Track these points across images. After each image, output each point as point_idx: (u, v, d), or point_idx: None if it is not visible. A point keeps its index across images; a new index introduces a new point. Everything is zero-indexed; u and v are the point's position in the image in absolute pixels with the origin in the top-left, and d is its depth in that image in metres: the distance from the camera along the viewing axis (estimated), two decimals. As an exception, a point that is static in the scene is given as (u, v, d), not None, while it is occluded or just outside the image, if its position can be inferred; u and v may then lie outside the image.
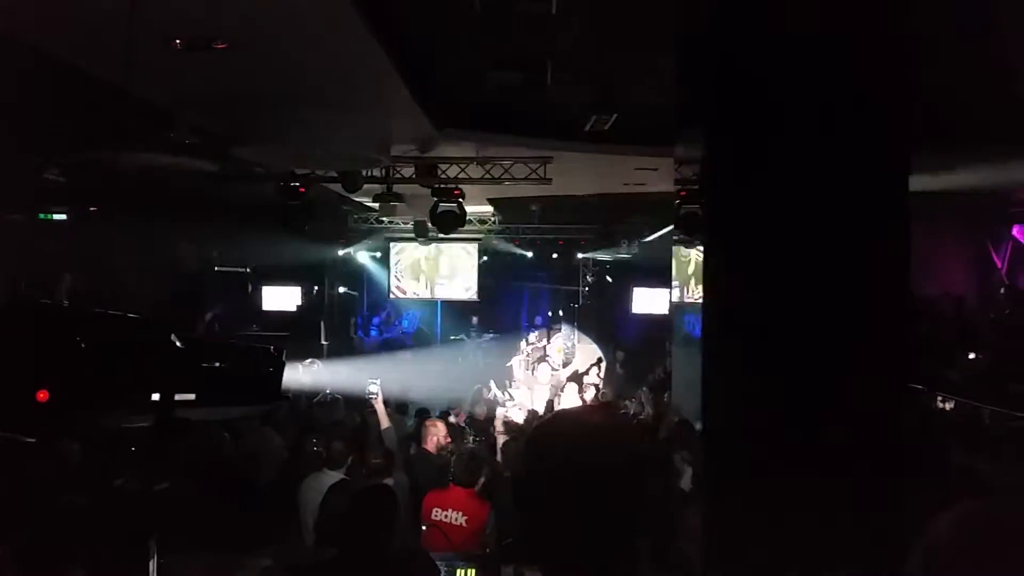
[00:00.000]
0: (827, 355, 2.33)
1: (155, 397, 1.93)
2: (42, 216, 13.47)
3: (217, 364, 2.07)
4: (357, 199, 12.39)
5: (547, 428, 1.32)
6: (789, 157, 2.33)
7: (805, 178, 2.32)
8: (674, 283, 13.82)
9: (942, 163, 8.07)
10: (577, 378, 13.90)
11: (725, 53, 2.38)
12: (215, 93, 6.81)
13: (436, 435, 6.80)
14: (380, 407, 6.89)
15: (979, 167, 9.08)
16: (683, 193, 9.90)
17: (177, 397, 1.96)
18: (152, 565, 2.18)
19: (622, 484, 1.14)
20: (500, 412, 9.26)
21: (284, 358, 2.26)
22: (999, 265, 12.82)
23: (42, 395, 1.78)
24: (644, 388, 12.70)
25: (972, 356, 10.01)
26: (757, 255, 2.33)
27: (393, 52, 5.68)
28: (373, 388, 7.11)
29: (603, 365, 14.62)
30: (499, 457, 7.16)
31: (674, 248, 12.85)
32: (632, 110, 7.38)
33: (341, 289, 18.10)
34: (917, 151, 2.58)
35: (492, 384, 13.33)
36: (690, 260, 13.13)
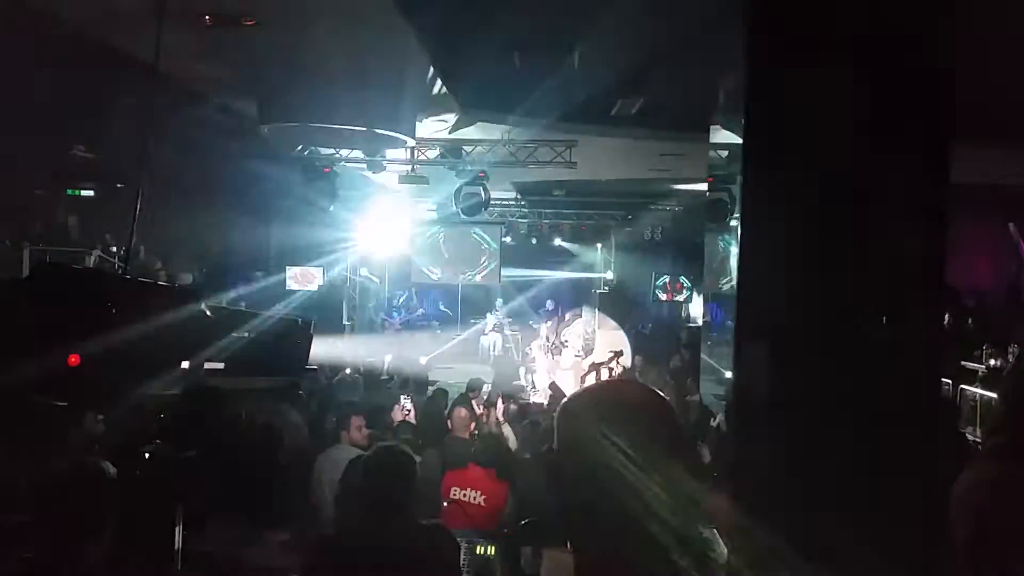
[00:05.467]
0: (857, 348, 2.31)
1: (185, 365, 1.96)
2: (70, 192, 13.62)
3: (247, 334, 2.09)
4: (381, 180, 12.41)
5: (580, 399, 1.31)
6: (825, 146, 2.31)
7: (841, 166, 2.30)
8: (705, 271, 13.73)
9: (972, 155, 7.95)
10: (596, 366, 13.88)
11: (762, 36, 2.36)
12: (243, 71, 6.83)
13: (464, 422, 6.83)
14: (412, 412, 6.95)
15: (1008, 159, 8.95)
16: (710, 179, 9.85)
17: (207, 366, 1.98)
18: (178, 532, 2.20)
19: (656, 456, 1.13)
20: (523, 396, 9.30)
21: (312, 330, 2.28)
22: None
23: (74, 360, 1.80)
24: (663, 375, 12.66)
25: (998, 349, 9.88)
26: (791, 242, 2.31)
27: (422, 33, 5.67)
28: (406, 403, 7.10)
29: (625, 352, 14.53)
30: (516, 438, 7.18)
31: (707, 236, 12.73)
32: (658, 95, 7.32)
33: (363, 271, 18.13)
34: (952, 143, 2.55)
35: (520, 370, 13.37)
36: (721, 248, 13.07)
